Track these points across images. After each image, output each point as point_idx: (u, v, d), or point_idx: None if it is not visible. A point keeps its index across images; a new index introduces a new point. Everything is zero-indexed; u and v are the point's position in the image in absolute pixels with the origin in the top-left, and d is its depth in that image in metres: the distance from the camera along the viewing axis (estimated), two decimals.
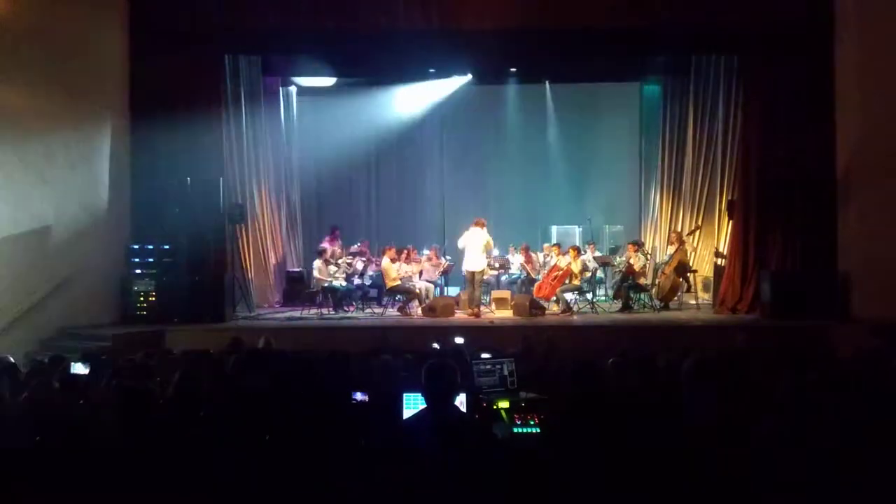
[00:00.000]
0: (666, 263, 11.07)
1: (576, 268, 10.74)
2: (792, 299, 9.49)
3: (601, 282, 12.44)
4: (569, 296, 10.76)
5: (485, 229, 10.44)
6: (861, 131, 9.64)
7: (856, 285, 9.54)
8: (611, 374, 4.52)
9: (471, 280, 10.51)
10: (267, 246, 12.36)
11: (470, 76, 13.33)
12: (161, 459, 3.15)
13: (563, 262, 10.88)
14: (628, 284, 10.96)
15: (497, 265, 11.74)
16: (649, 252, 12.11)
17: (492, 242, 10.84)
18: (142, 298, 9.93)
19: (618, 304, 11.19)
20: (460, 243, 10.60)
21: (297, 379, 4.83)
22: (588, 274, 11.36)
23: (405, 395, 3.90)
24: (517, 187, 14.19)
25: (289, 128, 13.64)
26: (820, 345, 7.33)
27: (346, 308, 11.18)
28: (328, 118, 14.12)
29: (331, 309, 11.02)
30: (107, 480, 3.03)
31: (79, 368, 5.51)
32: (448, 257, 11.95)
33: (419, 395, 3.50)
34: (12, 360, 5.87)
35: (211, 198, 10.40)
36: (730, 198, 11.28)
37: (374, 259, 12.03)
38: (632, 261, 10.95)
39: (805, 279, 9.86)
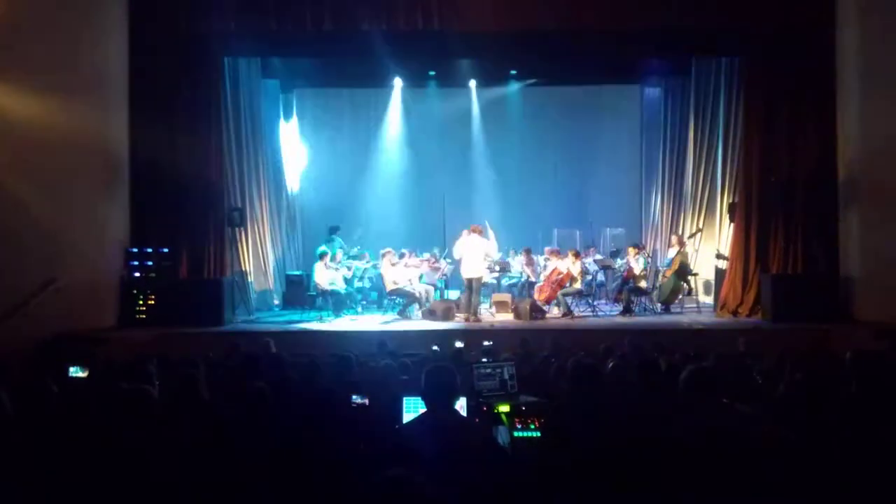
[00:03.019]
0: (667, 266, 11.05)
1: (576, 271, 10.72)
2: (793, 302, 9.47)
3: (602, 285, 12.41)
4: (569, 299, 10.74)
5: (482, 236, 10.45)
6: (863, 134, 9.62)
7: (857, 288, 9.52)
8: (611, 378, 4.50)
9: (469, 286, 10.49)
10: (266, 248, 12.33)
11: (468, 79, 13.34)
12: (159, 463, 3.13)
13: (564, 265, 10.86)
14: (629, 287, 10.93)
15: (498, 268, 11.72)
16: (650, 255, 12.08)
17: (495, 247, 10.87)
18: (141, 302, 9.91)
19: (619, 307, 11.18)
20: (456, 252, 10.61)
21: (297, 382, 4.81)
22: (589, 277, 11.34)
23: (405, 399, 3.89)
24: (518, 190, 14.17)
25: (288, 130, 13.65)
26: (822, 348, 7.29)
27: (345, 311, 11.15)
28: (328, 120, 14.17)
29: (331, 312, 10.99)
30: (105, 483, 3.01)
31: (77, 372, 5.47)
32: (448, 259, 11.93)
33: (419, 399, 3.48)
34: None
35: (210, 201, 10.40)
36: (731, 200, 11.25)
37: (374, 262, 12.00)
38: (632, 264, 10.93)
39: (806, 282, 9.85)
